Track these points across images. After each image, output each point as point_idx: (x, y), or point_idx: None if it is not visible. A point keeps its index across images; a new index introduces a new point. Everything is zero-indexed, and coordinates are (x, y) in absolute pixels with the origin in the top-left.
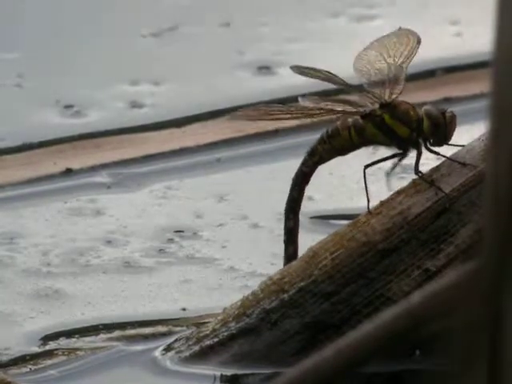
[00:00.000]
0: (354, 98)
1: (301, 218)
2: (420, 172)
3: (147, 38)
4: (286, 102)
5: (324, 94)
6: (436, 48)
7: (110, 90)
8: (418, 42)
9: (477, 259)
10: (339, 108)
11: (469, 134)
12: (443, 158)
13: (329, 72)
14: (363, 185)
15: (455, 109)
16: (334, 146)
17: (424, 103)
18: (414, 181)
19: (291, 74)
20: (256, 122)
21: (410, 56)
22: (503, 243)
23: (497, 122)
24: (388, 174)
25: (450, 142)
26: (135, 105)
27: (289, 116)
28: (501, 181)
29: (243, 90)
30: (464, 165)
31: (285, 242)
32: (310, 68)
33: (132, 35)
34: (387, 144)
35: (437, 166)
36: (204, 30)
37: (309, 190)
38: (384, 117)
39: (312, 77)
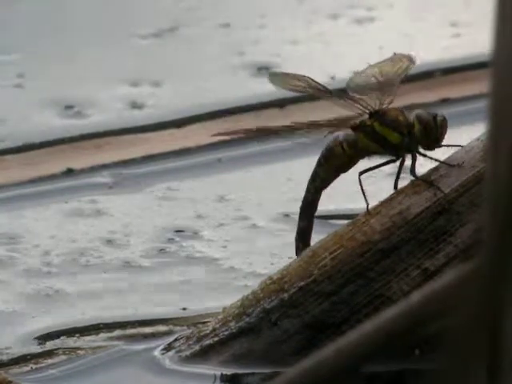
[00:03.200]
0: (340, 105)
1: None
2: (416, 175)
3: (147, 39)
4: (285, 104)
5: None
6: (435, 49)
7: (110, 90)
8: (413, 62)
9: (476, 259)
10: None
11: (468, 135)
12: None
13: (310, 78)
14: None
15: (454, 110)
16: (331, 165)
17: (423, 104)
18: (413, 181)
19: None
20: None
21: (403, 73)
22: (502, 243)
23: (495, 123)
24: (395, 186)
25: (441, 145)
26: (136, 105)
27: (277, 134)
28: (500, 181)
29: (243, 90)
30: (451, 166)
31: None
32: (288, 75)
33: (132, 36)
34: (381, 152)
35: (436, 167)
36: (204, 30)
37: None
38: (374, 125)
39: (291, 89)
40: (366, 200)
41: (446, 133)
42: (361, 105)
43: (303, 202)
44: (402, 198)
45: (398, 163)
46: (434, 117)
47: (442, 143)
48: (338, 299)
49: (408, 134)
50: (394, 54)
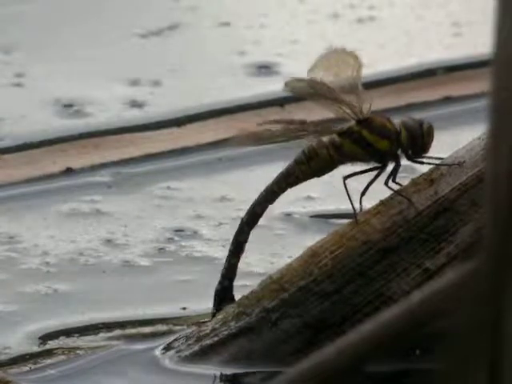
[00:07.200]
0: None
1: (301, 217)
2: (388, 185)
3: (147, 37)
4: (286, 103)
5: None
6: (437, 47)
7: (110, 89)
8: (358, 59)
9: (477, 258)
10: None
11: (469, 134)
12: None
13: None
14: (363, 183)
15: (456, 108)
16: (312, 166)
17: (425, 103)
18: (413, 180)
19: (291, 74)
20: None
21: (358, 76)
22: (503, 243)
23: (497, 121)
24: (363, 192)
25: (427, 154)
26: (135, 104)
27: (274, 139)
28: (501, 180)
29: (243, 89)
30: (452, 165)
31: (230, 251)
32: (306, 80)
33: (132, 34)
34: (366, 159)
35: (437, 166)
36: (204, 29)
37: (308, 189)
38: (362, 132)
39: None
40: (352, 206)
41: (432, 140)
42: (350, 109)
43: (268, 189)
44: (402, 197)
45: (378, 170)
46: (421, 124)
47: (428, 152)
48: (339, 299)
49: (395, 141)
50: (333, 48)
